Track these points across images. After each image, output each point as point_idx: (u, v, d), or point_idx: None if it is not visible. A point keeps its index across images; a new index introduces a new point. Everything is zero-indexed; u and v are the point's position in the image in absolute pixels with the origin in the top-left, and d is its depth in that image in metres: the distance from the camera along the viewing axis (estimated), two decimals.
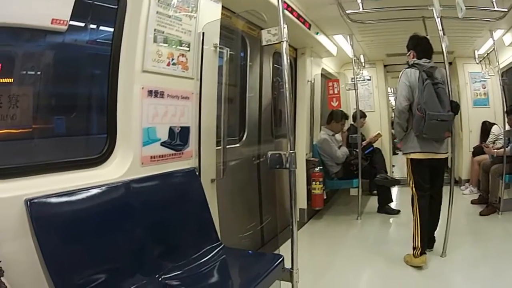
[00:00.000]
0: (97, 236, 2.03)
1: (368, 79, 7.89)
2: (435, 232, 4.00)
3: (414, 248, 3.76)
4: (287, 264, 2.61)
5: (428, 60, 3.74)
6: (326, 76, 6.91)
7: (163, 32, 2.58)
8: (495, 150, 5.72)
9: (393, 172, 7.51)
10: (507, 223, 4.06)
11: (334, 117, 6.11)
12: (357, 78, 6.09)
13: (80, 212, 1.99)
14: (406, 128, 3.84)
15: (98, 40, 2.61)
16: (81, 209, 2.01)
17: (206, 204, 2.84)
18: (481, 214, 5.48)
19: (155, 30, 2.51)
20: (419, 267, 3.70)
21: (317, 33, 5.22)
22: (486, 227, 4.75)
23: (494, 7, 4.06)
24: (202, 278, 2.35)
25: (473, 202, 6.19)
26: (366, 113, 7.40)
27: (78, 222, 1.97)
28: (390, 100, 10.00)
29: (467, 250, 4.15)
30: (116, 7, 2.40)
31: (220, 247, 2.71)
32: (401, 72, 3.87)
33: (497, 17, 4.37)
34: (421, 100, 3.61)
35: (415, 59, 3.81)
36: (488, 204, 5.60)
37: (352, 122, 6.97)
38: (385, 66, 8.36)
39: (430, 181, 3.86)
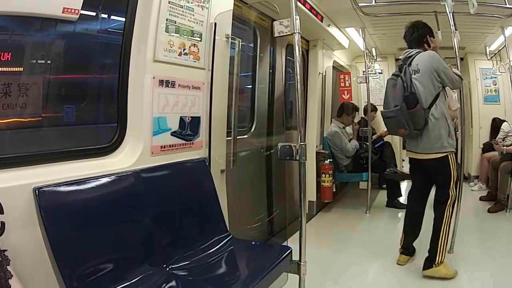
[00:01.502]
0: (105, 225, 2.04)
1: (380, 73, 7.84)
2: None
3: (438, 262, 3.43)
4: (295, 257, 2.62)
5: (409, 50, 3.54)
6: (337, 69, 6.88)
7: (175, 22, 2.57)
8: (505, 147, 5.66)
9: (402, 167, 7.46)
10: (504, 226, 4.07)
11: (345, 110, 6.07)
12: (368, 71, 6.04)
13: (88, 201, 2.00)
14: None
15: (109, 30, 2.60)
16: (90, 198, 2.01)
17: (216, 195, 2.85)
18: (489, 211, 5.46)
19: (167, 20, 2.50)
20: None
21: (329, 25, 5.18)
22: (494, 224, 4.72)
23: (506, 4, 4.00)
24: (209, 269, 2.35)
25: (481, 198, 6.16)
26: (377, 107, 7.35)
27: (86, 211, 1.97)
28: None
29: (474, 247, 4.14)
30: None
31: (228, 238, 2.72)
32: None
33: (508, 14, 4.33)
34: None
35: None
36: (496, 201, 5.56)
37: (363, 115, 6.93)
38: (396, 59, 8.25)
39: (423, 182, 3.68)
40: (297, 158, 2.62)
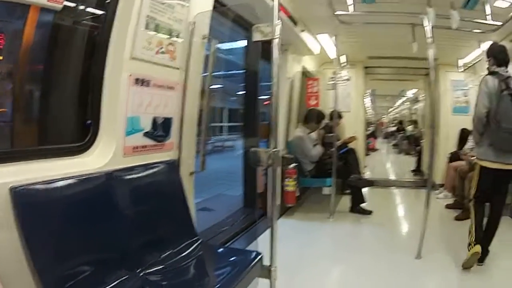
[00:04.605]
0: (80, 228, 1.95)
1: (347, 79, 7.94)
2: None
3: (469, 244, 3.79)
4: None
5: (506, 70, 3.71)
6: (305, 74, 6.91)
7: (155, 19, 2.49)
8: (473, 157, 5.80)
9: (364, 173, 7.59)
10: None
11: (311, 116, 6.11)
12: (336, 78, 6.09)
13: (62, 202, 1.91)
14: (482, 133, 3.82)
15: (86, 22, 2.49)
16: (63, 199, 1.92)
17: (185, 198, 2.80)
18: (456, 218, 5.62)
19: (147, 16, 2.42)
20: None
21: (302, 31, 5.20)
22: (461, 231, 4.81)
23: (488, 20, 4.12)
24: (181, 274, 2.30)
25: (448, 206, 6.34)
26: (343, 114, 7.43)
27: (61, 213, 1.88)
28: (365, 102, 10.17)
29: (442, 253, 4.21)
30: None
31: (198, 242, 2.67)
32: (481, 78, 3.88)
33: (490, 29, 4.46)
34: (497, 110, 3.61)
35: (495, 66, 3.78)
36: (463, 209, 5.68)
37: (327, 121, 6.99)
38: (365, 67, 8.46)
39: (493, 190, 3.88)
40: (270, 163, 2.61)
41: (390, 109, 26.91)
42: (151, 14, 2.45)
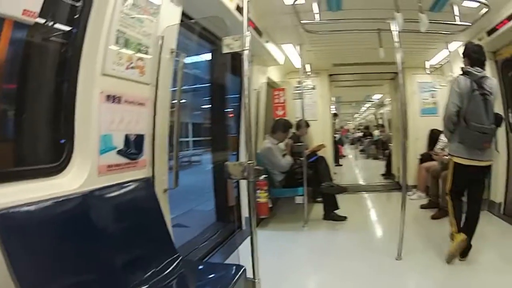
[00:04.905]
0: (62, 250, 1.88)
1: (312, 88, 8.00)
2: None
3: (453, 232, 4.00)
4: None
5: (479, 70, 3.82)
6: (270, 85, 6.93)
7: (125, 33, 2.45)
8: (445, 157, 5.91)
9: (335, 179, 7.65)
10: None
11: (278, 126, 6.10)
12: (302, 87, 6.13)
13: (42, 226, 1.83)
14: (453, 131, 3.96)
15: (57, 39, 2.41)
16: (42, 222, 1.84)
17: (162, 216, 2.73)
18: (432, 217, 5.73)
19: (117, 30, 2.38)
20: None
21: (267, 41, 5.22)
22: (439, 230, 4.90)
23: (456, 21, 4.24)
24: None
25: (422, 206, 6.47)
26: (310, 122, 7.48)
27: (41, 236, 1.81)
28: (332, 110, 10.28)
29: (422, 252, 4.27)
30: (81, 4, 2.26)
31: (179, 259, 2.61)
32: (452, 78, 4.06)
33: (458, 30, 4.59)
34: (467, 110, 3.74)
35: (468, 66, 3.90)
36: (439, 208, 5.82)
37: (295, 131, 7.01)
38: (330, 75, 8.57)
39: (469, 185, 4.06)
40: (245, 176, 2.60)
41: (356, 115, 27.41)
42: (121, 28, 2.40)
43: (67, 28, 2.29)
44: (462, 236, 3.86)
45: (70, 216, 2.02)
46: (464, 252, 3.89)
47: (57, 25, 2.24)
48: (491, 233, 4.85)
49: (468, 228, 3.94)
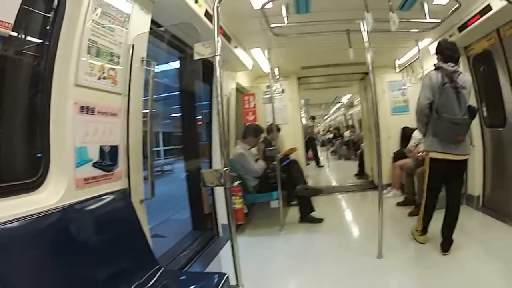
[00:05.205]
0: (44, 267, 1.84)
1: (282, 92, 8.03)
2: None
3: (416, 230, 4.35)
4: None
5: (453, 65, 3.90)
6: (240, 91, 6.92)
7: (96, 43, 2.41)
8: (419, 153, 6.01)
9: (307, 182, 7.68)
10: (436, 221, 4.33)
11: (249, 132, 6.09)
12: (271, 91, 6.14)
13: (22, 243, 1.78)
14: (426, 123, 4.06)
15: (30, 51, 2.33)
16: (22, 239, 1.79)
17: (140, 227, 2.68)
18: (410, 214, 5.79)
19: (89, 40, 2.34)
20: None
21: (236, 47, 5.21)
22: None
23: (426, 19, 4.31)
24: None
25: (398, 204, 6.55)
26: (280, 126, 7.51)
27: (22, 254, 1.76)
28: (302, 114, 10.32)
29: (403, 249, 4.33)
30: (53, 14, 2.20)
31: (161, 270, 2.58)
32: (425, 74, 4.13)
33: (428, 27, 4.68)
34: (439, 102, 3.84)
35: (440, 62, 3.98)
36: (416, 205, 5.88)
37: (266, 135, 7.02)
38: (298, 78, 8.61)
39: (445, 180, 4.16)
40: (222, 183, 2.59)
41: (325, 117, 27.62)
42: (92, 37, 2.36)
43: (40, 39, 2.23)
44: (424, 239, 4.15)
45: (50, 232, 1.96)
46: (446, 246, 3.98)
47: (30, 37, 2.18)
48: (471, 226, 4.95)
49: (449, 223, 4.02)
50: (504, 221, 4.91)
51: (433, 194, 4.19)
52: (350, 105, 18.32)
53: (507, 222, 4.83)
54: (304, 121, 14.33)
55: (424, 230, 4.31)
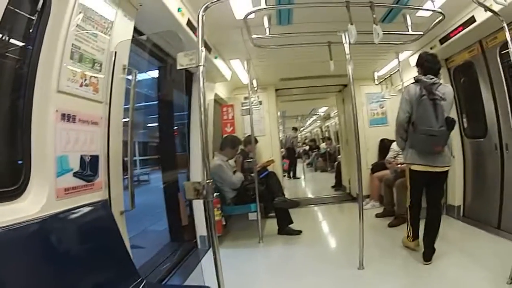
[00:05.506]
0: (23, 278, 1.77)
1: (259, 103, 8.02)
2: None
3: (408, 236, 4.41)
4: None
5: (431, 77, 3.93)
6: (218, 102, 6.88)
7: (79, 48, 2.34)
8: (399, 165, 6.04)
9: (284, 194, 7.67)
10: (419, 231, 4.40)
11: (227, 143, 6.07)
12: (249, 103, 6.12)
13: (2, 252, 1.72)
14: (406, 138, 4.09)
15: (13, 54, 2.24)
16: (3, 248, 1.73)
17: (121, 239, 2.61)
18: (389, 225, 5.82)
19: (72, 45, 2.27)
20: None
21: (215, 57, 5.19)
22: (398, 236, 4.95)
23: (409, 31, 4.33)
24: None
25: (377, 215, 6.57)
26: (257, 138, 7.48)
27: (3, 263, 1.70)
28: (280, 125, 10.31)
29: (384, 260, 4.32)
30: (37, 16, 2.13)
31: (143, 283, 2.51)
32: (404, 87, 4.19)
33: (410, 40, 4.71)
34: (416, 115, 3.87)
35: (421, 75, 4.02)
36: (396, 216, 5.95)
37: (243, 147, 6.99)
38: (276, 90, 8.59)
39: (426, 190, 4.20)
40: (204, 195, 2.53)
41: (301, 129, 27.75)
42: (76, 42, 2.30)
43: (23, 42, 2.15)
44: (415, 244, 4.19)
45: (31, 242, 1.90)
46: (428, 256, 4.00)
47: (14, 39, 2.10)
48: (453, 235, 5.00)
49: (430, 232, 4.05)
50: (485, 229, 4.98)
51: (416, 203, 4.25)
52: (327, 117, 18.43)
53: (488, 231, 4.90)
54: (281, 134, 14.34)
55: (415, 236, 4.33)
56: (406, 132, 4.05)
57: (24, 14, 2.10)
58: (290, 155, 14.89)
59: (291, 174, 14.65)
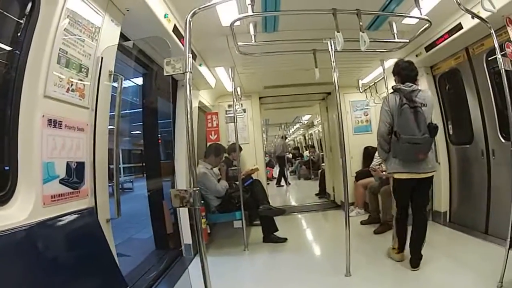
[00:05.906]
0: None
1: (243, 111, 8.00)
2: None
3: (393, 248, 4.42)
4: None
5: (410, 84, 3.95)
6: (202, 109, 6.86)
7: (66, 53, 2.31)
8: (383, 172, 6.03)
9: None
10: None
11: (211, 151, 6.06)
12: (233, 110, 6.10)
13: None
14: (388, 150, 4.07)
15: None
16: None
17: (108, 247, 2.58)
18: (375, 232, 5.83)
19: (60, 49, 2.24)
20: None
21: (200, 65, 5.17)
22: (384, 243, 4.96)
23: (395, 38, 4.36)
24: None
25: (362, 222, 6.57)
26: (241, 145, 7.46)
27: None
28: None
29: (371, 266, 4.32)
30: (25, 20, 2.10)
31: None
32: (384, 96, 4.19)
33: (395, 47, 4.71)
34: (398, 124, 3.87)
35: (398, 84, 4.05)
36: (381, 223, 5.96)
37: (227, 155, 6.96)
38: (260, 98, 8.57)
39: (411, 198, 4.17)
40: (192, 203, 2.51)
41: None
42: (63, 47, 2.27)
43: (11, 47, 2.12)
44: (400, 257, 4.23)
45: (18, 250, 1.86)
46: (415, 262, 4.01)
47: (1, 43, 2.06)
48: (440, 241, 5.02)
49: (417, 238, 4.07)
50: (472, 234, 5.04)
51: (403, 211, 4.26)
52: (310, 125, 18.47)
53: (476, 236, 4.96)
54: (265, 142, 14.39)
55: (400, 248, 4.33)
56: (388, 144, 4.05)
57: (13, 17, 2.07)
58: (281, 163, 15.03)
59: (285, 181, 14.67)
